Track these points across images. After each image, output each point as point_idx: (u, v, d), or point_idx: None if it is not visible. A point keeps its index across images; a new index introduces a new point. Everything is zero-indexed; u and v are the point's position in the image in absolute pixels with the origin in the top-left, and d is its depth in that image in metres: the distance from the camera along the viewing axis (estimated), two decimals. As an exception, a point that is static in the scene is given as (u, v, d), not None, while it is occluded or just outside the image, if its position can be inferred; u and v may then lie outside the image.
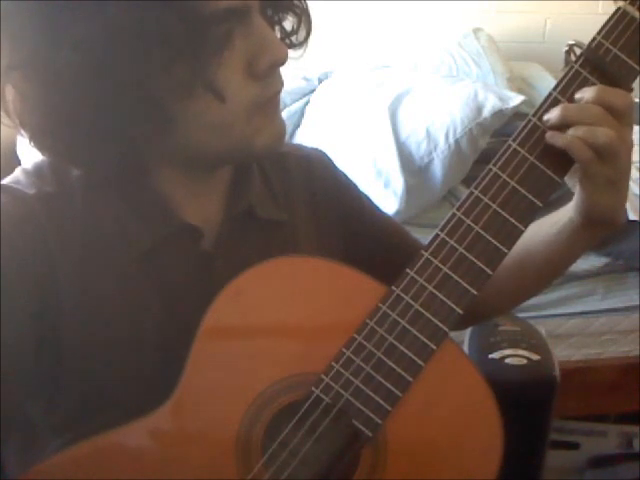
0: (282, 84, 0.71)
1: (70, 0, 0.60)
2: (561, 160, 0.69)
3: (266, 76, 0.68)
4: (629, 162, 0.71)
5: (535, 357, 1.36)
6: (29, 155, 0.75)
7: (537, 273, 0.85)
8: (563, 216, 0.78)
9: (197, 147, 0.70)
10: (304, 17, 0.75)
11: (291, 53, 0.73)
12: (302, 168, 0.86)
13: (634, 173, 1.88)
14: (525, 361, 1.35)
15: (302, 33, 0.75)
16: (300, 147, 0.91)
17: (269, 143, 0.71)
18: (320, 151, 0.91)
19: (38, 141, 0.69)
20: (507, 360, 1.34)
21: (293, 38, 0.75)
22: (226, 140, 0.69)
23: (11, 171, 0.75)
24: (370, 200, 0.93)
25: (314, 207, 0.85)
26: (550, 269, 0.85)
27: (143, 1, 0.60)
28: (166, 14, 0.60)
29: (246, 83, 0.67)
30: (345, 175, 0.91)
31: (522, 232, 0.70)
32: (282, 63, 0.69)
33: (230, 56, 0.65)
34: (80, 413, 0.71)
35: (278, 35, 0.74)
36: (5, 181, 0.73)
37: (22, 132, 0.68)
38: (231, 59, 0.66)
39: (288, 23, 0.75)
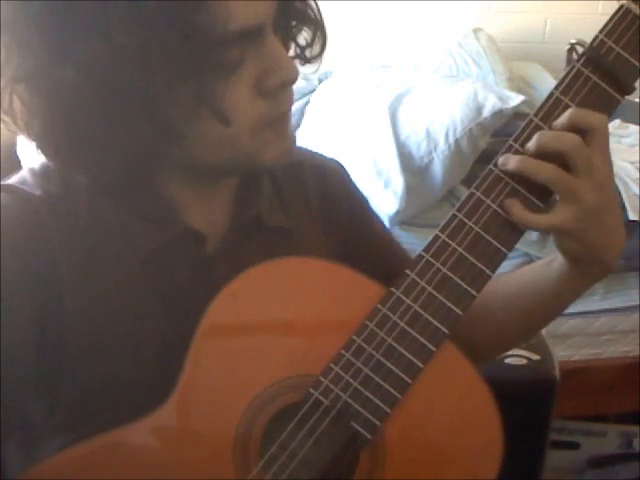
0: (292, 102, 0.71)
1: (74, 17, 0.60)
2: (562, 163, 0.69)
3: (276, 94, 0.68)
4: (600, 204, 0.68)
5: (535, 357, 1.36)
6: (29, 155, 0.75)
7: (525, 316, 0.82)
8: (555, 256, 0.76)
9: (202, 159, 0.70)
10: (319, 31, 0.74)
11: (307, 67, 0.73)
12: (317, 177, 0.86)
13: (634, 173, 1.88)
14: (525, 361, 1.34)
15: (317, 47, 0.74)
16: (317, 156, 0.90)
17: (276, 158, 0.71)
18: (337, 162, 0.91)
19: (42, 149, 0.69)
20: (507, 360, 1.34)
21: (307, 52, 0.74)
22: (232, 154, 0.69)
23: (11, 171, 0.75)
24: (380, 219, 0.93)
25: (325, 216, 0.85)
26: (537, 314, 0.81)
27: (148, 22, 0.59)
28: (171, 36, 0.59)
29: (254, 100, 0.67)
30: (359, 190, 0.91)
31: (522, 233, 0.70)
32: (292, 82, 0.68)
33: (240, 74, 0.65)
34: (80, 413, 0.71)
35: (292, 49, 0.74)
36: (11, 181, 0.74)
37: (28, 138, 0.68)
38: (240, 76, 0.65)
39: (302, 35, 0.74)
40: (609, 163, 0.70)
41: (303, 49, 0.74)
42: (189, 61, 0.61)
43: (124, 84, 0.61)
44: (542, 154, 0.68)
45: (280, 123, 0.71)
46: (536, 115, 0.70)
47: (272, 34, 0.67)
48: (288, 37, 0.73)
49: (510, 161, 0.69)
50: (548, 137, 0.68)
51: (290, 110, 0.72)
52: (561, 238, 0.71)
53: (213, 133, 0.67)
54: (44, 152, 0.69)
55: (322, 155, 0.90)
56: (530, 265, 0.84)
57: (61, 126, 0.65)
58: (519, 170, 0.68)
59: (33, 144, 0.69)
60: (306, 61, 0.75)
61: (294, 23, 0.73)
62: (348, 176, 0.90)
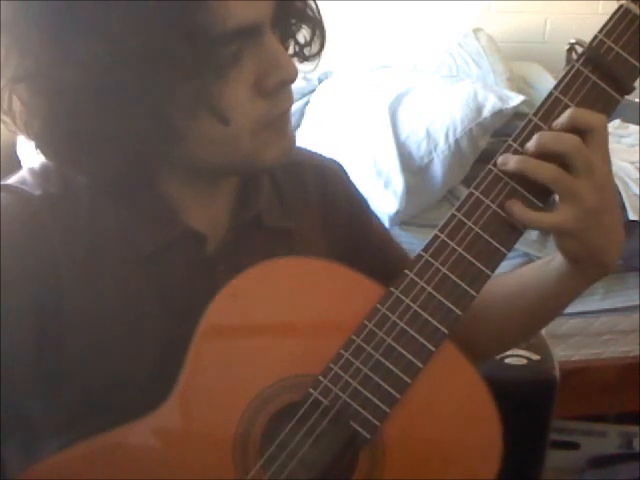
0: (291, 101, 0.71)
1: (74, 17, 0.60)
2: (561, 163, 0.69)
3: (275, 94, 0.68)
4: (600, 203, 0.68)
5: (535, 357, 1.36)
6: (29, 155, 0.76)
7: (525, 315, 0.82)
8: (554, 256, 0.76)
9: (202, 159, 0.70)
10: (318, 29, 0.74)
11: (306, 65, 0.73)
12: (316, 177, 0.86)
13: (634, 173, 1.89)
14: (525, 361, 1.34)
15: (316, 45, 0.74)
16: (316, 156, 0.90)
17: (276, 158, 0.71)
18: (336, 162, 0.91)
19: (42, 149, 0.69)
20: (507, 360, 1.34)
21: (306, 50, 0.75)
22: (232, 154, 0.69)
23: (11, 171, 0.76)
24: (378, 219, 0.93)
25: (325, 216, 0.85)
26: (536, 313, 0.81)
27: (148, 22, 0.59)
28: (171, 35, 0.60)
29: (253, 100, 0.67)
30: (358, 190, 0.91)
31: (522, 233, 0.70)
32: (291, 81, 0.68)
33: (238, 73, 0.65)
34: (80, 413, 0.71)
35: (291, 47, 0.74)
36: (11, 181, 0.73)
37: (28, 138, 0.68)
38: (239, 76, 0.65)
39: (301, 34, 0.74)
40: (608, 163, 0.70)
41: (302, 47, 0.75)
42: (189, 60, 0.61)
43: (124, 84, 0.61)
44: (542, 154, 0.68)
45: (280, 123, 0.71)
46: (535, 115, 0.70)
47: (271, 33, 0.67)
48: (287, 35, 0.73)
49: (509, 161, 0.69)
50: (547, 137, 0.68)
51: (290, 110, 0.72)
52: (561, 238, 0.71)
53: (213, 133, 0.67)
54: (44, 152, 0.69)
55: (321, 155, 0.90)
56: (529, 265, 0.84)
57: (61, 126, 0.65)
58: (519, 170, 0.68)
59: (33, 144, 0.69)
60: (305, 59, 0.75)
61: (293, 21, 0.73)
62: (347, 176, 0.90)
